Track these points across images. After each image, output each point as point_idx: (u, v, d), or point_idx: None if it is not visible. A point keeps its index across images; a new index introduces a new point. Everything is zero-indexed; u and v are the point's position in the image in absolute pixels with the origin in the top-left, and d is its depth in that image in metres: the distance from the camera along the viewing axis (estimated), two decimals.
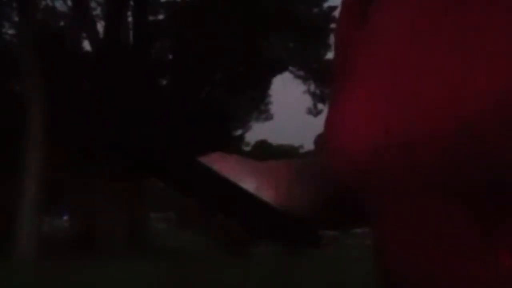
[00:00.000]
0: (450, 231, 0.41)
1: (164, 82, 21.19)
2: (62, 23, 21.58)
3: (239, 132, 24.76)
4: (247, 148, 29.49)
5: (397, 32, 0.47)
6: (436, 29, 0.43)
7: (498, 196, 0.38)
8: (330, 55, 28.62)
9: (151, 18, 20.67)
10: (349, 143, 0.46)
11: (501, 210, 0.39)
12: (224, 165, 0.61)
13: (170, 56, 21.24)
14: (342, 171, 0.48)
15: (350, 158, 0.46)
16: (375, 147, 0.44)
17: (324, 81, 24.04)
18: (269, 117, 28.50)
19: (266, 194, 0.61)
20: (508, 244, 0.39)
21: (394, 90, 0.44)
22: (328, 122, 0.52)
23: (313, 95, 25.28)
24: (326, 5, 22.07)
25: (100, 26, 20.22)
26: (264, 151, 31.34)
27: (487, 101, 0.37)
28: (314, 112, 25.46)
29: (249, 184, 0.60)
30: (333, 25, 22.22)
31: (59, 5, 21.18)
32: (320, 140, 0.64)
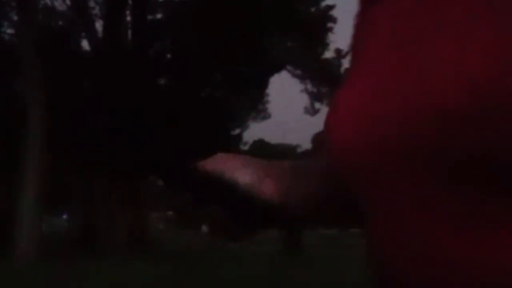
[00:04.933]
0: (449, 219, 0.41)
1: (163, 81, 21.18)
2: (60, 23, 21.56)
3: (237, 131, 24.74)
4: (245, 148, 29.45)
5: (394, 24, 0.47)
6: (432, 16, 0.43)
7: (486, 176, 0.40)
8: (327, 54, 28.62)
9: (149, 17, 20.68)
10: (347, 136, 0.46)
11: (492, 190, 0.40)
12: (223, 161, 0.65)
13: (169, 56, 21.24)
14: (341, 164, 0.48)
15: (349, 151, 0.46)
16: (374, 139, 0.44)
17: (321, 80, 24.03)
18: (266, 116, 28.51)
19: (264, 190, 0.63)
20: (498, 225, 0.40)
21: (394, 79, 0.43)
22: (328, 116, 0.52)
23: (310, 94, 25.27)
24: (323, 4, 22.07)
25: (99, 26, 20.25)
26: (262, 150, 31.31)
27: (476, 88, 0.38)
28: (311, 111, 25.45)
29: (247, 178, 0.64)
30: (330, 24, 22.25)
31: (57, 4, 21.15)
32: (318, 138, 0.66)
